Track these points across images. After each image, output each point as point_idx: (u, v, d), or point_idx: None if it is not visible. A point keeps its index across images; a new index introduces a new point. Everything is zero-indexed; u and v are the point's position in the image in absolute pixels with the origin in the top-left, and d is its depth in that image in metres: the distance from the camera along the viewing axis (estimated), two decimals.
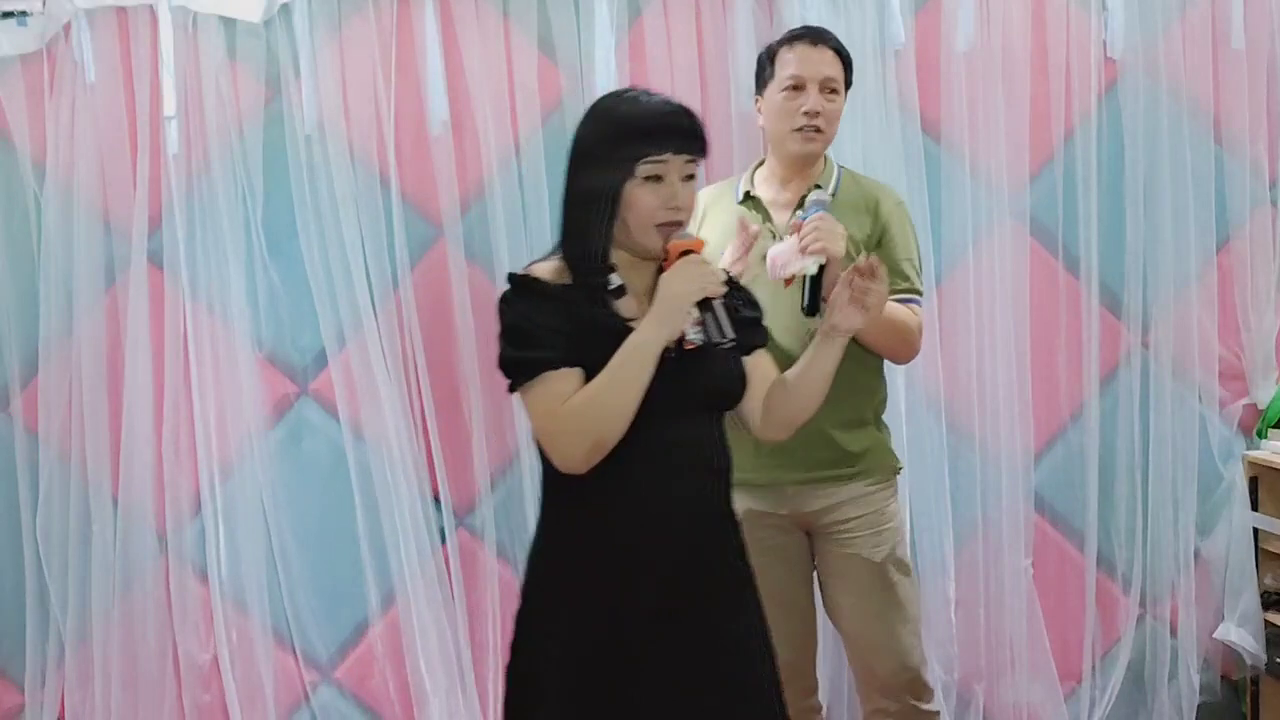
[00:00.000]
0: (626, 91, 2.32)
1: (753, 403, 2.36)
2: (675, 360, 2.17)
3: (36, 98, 3.48)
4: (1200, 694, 3.79)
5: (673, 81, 3.55)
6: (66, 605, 3.52)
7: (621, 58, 3.57)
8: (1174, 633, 3.79)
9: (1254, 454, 3.77)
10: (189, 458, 3.55)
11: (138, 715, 3.56)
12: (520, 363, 2.17)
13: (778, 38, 3.06)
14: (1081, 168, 3.69)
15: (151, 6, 3.45)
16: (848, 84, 2.97)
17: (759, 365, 2.38)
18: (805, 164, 2.94)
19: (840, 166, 3.02)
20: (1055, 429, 3.75)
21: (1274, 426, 3.75)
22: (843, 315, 2.28)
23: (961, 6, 3.61)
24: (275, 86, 3.51)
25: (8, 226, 3.52)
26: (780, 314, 2.70)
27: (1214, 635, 3.80)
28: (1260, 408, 3.81)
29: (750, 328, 2.35)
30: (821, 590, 3.04)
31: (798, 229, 2.68)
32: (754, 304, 2.42)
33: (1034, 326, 3.69)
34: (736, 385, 2.31)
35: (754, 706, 2.26)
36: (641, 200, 2.16)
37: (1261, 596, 3.75)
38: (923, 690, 2.99)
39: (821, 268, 2.65)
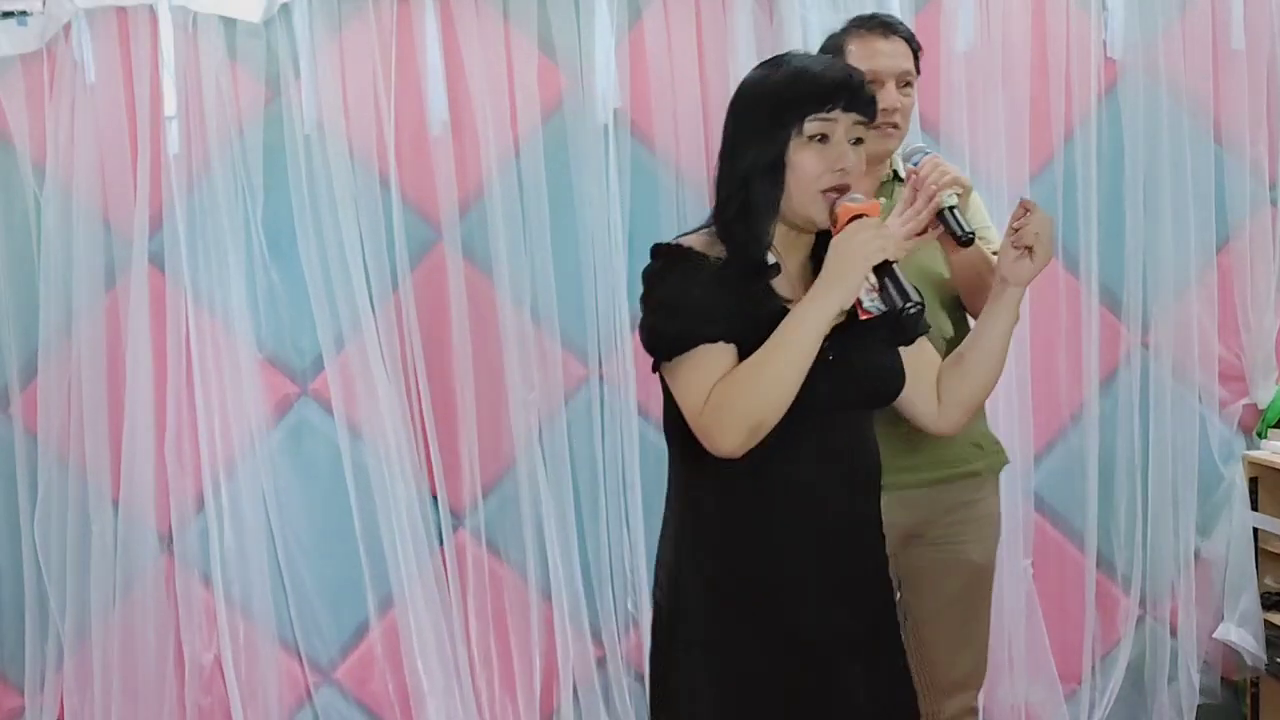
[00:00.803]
0: (783, 55, 2.13)
1: (924, 393, 2.21)
2: (833, 348, 2.01)
3: (36, 98, 3.48)
4: (1200, 695, 3.79)
5: (673, 82, 3.56)
6: (65, 607, 3.52)
7: (621, 58, 3.57)
8: (1174, 633, 3.79)
9: (1254, 454, 3.77)
10: (190, 459, 3.55)
11: (137, 717, 3.55)
12: (673, 337, 1.99)
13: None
14: (1081, 168, 3.68)
15: (151, 6, 3.45)
16: (918, 71, 2.80)
17: (924, 352, 2.22)
18: (879, 159, 2.79)
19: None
20: (1055, 429, 3.75)
21: (1274, 426, 3.75)
22: (1011, 268, 2.14)
23: (961, 7, 3.61)
24: (275, 87, 3.51)
25: (8, 227, 3.52)
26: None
27: (1214, 636, 3.80)
28: (1260, 408, 3.81)
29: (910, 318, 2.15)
30: (908, 597, 2.84)
31: (913, 174, 2.57)
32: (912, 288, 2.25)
33: (1034, 327, 3.69)
34: (895, 381, 2.15)
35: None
36: (806, 163, 2.01)
37: (1261, 597, 3.75)
38: (980, 685, 2.94)
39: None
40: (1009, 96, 3.65)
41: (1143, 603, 3.78)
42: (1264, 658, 3.73)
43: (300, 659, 3.61)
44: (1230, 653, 3.80)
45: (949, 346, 2.68)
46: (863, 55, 2.73)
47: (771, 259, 2.05)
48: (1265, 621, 3.74)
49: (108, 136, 3.48)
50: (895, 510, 2.71)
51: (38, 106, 3.48)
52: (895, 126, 2.73)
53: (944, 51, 3.64)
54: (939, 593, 2.82)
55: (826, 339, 1.99)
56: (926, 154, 2.61)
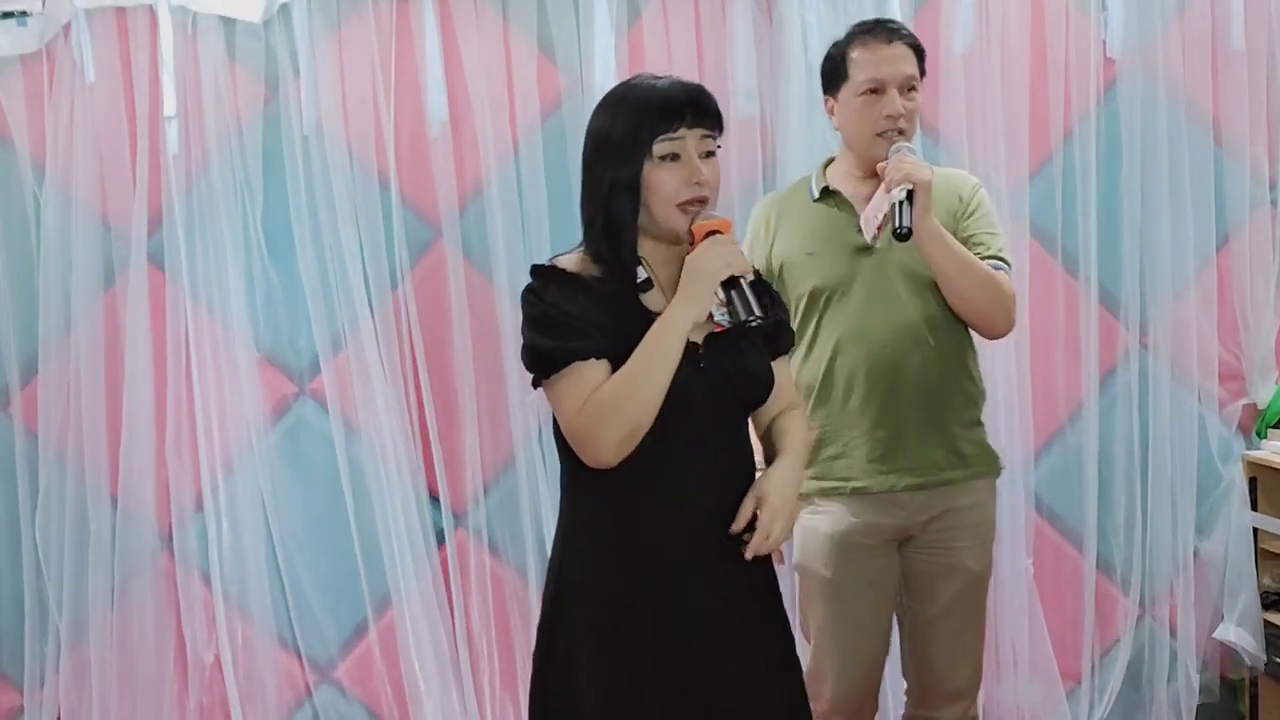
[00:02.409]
0: (633, 78, 2.23)
1: (771, 409, 2.32)
2: (705, 355, 2.13)
3: (36, 98, 3.49)
4: (1199, 694, 3.79)
5: None
6: (64, 605, 3.53)
7: (621, 58, 3.57)
8: (1173, 633, 3.79)
9: (1253, 454, 3.77)
10: (189, 458, 3.56)
11: (135, 715, 3.56)
12: (549, 354, 2.10)
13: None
14: (1080, 168, 3.69)
15: (151, 6, 3.45)
16: (922, 73, 2.84)
17: (780, 372, 2.33)
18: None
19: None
20: (1054, 429, 3.75)
21: (1273, 426, 3.75)
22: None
23: (960, 6, 3.62)
24: (274, 87, 3.52)
25: (7, 226, 3.53)
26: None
27: (1213, 635, 3.79)
28: (1259, 408, 3.80)
29: (776, 329, 2.31)
30: (908, 601, 2.89)
31: (882, 173, 2.67)
32: (782, 306, 2.40)
33: (1033, 326, 3.69)
34: (764, 385, 2.26)
35: (783, 711, 2.24)
36: (661, 181, 2.11)
37: (1261, 596, 3.75)
38: (976, 698, 2.94)
39: (910, 193, 2.60)
40: (1008, 96, 3.65)
41: (1141, 602, 3.78)
42: (1263, 657, 3.73)
43: (299, 658, 3.61)
44: (1229, 652, 3.80)
45: (934, 350, 2.76)
46: (866, 63, 2.77)
47: (644, 274, 2.16)
48: (1264, 621, 3.74)
49: (107, 136, 3.49)
50: (878, 512, 2.78)
51: (37, 106, 3.48)
52: (900, 132, 2.75)
53: (943, 52, 3.64)
54: (936, 598, 2.83)
55: (700, 346, 2.12)
56: (899, 151, 2.68)
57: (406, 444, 3.57)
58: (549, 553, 3.53)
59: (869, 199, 2.81)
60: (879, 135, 2.75)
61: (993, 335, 2.87)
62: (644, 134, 2.11)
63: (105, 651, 3.54)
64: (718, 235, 2.12)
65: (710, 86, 3.45)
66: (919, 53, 2.82)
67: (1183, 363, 3.75)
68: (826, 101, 2.88)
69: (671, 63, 3.57)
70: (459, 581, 3.62)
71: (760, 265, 2.77)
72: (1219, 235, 3.78)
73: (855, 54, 2.79)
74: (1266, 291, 3.79)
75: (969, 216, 2.81)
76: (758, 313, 2.11)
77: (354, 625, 3.63)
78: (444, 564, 3.62)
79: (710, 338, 2.16)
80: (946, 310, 2.77)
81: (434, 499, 3.63)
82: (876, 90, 2.76)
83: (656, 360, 2.06)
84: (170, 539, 3.58)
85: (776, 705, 2.23)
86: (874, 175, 2.78)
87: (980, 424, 2.90)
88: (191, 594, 3.57)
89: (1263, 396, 3.80)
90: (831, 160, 2.94)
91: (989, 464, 2.89)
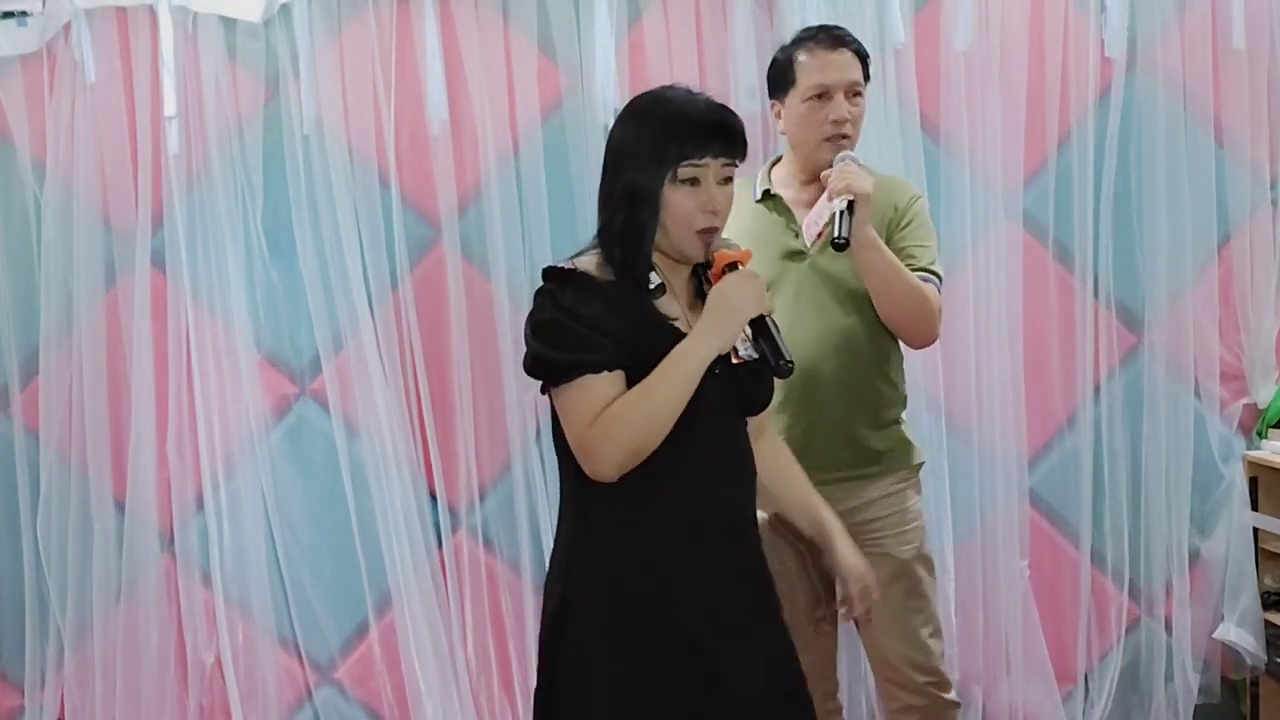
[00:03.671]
0: (669, 89, 2.22)
1: (764, 414, 2.37)
2: (720, 361, 2.14)
3: (36, 98, 3.49)
4: (1199, 695, 3.79)
5: (672, 81, 3.54)
6: (66, 606, 3.53)
7: (621, 58, 3.57)
8: (1170, 632, 3.78)
9: (1254, 454, 3.77)
10: (190, 459, 3.56)
11: (138, 716, 3.56)
12: (561, 366, 2.09)
13: (789, 39, 3.00)
14: (1079, 168, 3.68)
15: (151, 6, 3.46)
16: (866, 79, 2.90)
17: None
18: (830, 167, 2.88)
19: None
20: (1052, 429, 3.75)
21: (1274, 426, 3.75)
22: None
23: (960, 6, 3.61)
24: (274, 87, 3.52)
25: (8, 226, 3.53)
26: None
27: (1214, 635, 3.79)
28: (1260, 408, 3.80)
29: None
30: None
31: (825, 181, 2.73)
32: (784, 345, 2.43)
33: (1031, 326, 3.69)
34: (770, 391, 2.30)
35: (794, 705, 2.26)
36: (679, 204, 2.12)
37: (1261, 596, 3.75)
38: (944, 683, 2.97)
39: (851, 204, 2.66)
40: (1007, 96, 3.65)
41: (1139, 602, 3.78)
42: (1264, 657, 3.73)
43: (300, 658, 3.61)
44: (1230, 652, 3.79)
45: (854, 356, 2.84)
46: (811, 67, 2.84)
47: (657, 280, 2.16)
48: (1265, 621, 3.74)
49: (108, 136, 3.49)
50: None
51: (38, 106, 3.49)
52: (845, 137, 2.83)
53: (943, 50, 3.64)
54: None
55: (716, 361, 2.12)
56: (844, 161, 2.75)
57: (407, 444, 3.57)
58: (546, 554, 3.59)
59: (809, 204, 2.88)
60: (825, 140, 2.83)
61: (917, 345, 2.96)
62: (671, 152, 2.10)
63: (106, 652, 3.54)
64: (743, 270, 2.14)
65: (711, 86, 3.55)
66: (864, 59, 2.89)
67: (1182, 362, 3.74)
68: (773, 105, 2.95)
69: (672, 63, 3.57)
70: (456, 582, 3.62)
71: None
72: (1220, 235, 3.77)
73: (802, 59, 2.85)
74: (1267, 291, 3.79)
75: (904, 227, 2.88)
76: (788, 356, 2.13)
77: (355, 625, 3.63)
78: (442, 565, 3.62)
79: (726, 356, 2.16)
80: (871, 319, 2.84)
81: (433, 499, 3.63)
82: (822, 96, 2.83)
83: (674, 386, 2.08)
84: (171, 539, 3.58)
85: (780, 704, 2.23)
86: (816, 180, 2.86)
87: (897, 422, 2.96)
88: (192, 594, 3.57)
89: (1263, 396, 3.80)
90: (778, 160, 3.00)
91: (904, 457, 2.96)
